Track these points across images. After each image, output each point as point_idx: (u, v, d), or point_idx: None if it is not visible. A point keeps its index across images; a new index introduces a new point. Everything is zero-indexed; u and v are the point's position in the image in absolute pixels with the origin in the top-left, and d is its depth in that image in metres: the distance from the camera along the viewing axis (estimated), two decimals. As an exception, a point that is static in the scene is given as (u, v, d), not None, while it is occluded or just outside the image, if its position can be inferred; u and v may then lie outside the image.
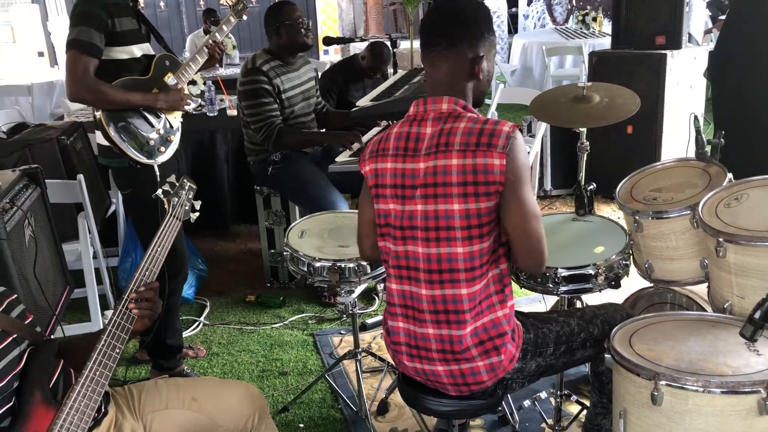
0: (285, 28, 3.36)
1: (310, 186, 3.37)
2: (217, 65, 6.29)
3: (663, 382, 1.54)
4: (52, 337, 2.42)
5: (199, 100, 4.78)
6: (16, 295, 1.65)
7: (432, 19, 1.75)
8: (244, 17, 2.93)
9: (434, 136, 1.68)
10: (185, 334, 3.31)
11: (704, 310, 2.22)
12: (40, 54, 7.45)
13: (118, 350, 1.58)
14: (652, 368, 1.58)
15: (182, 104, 2.63)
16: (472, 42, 1.69)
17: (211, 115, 4.62)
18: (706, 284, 2.10)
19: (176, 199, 1.88)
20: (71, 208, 3.28)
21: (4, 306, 1.58)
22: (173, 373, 2.85)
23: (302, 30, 3.38)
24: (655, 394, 1.54)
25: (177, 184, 1.91)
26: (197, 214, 1.96)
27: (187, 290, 3.59)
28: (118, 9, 2.47)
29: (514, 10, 10.62)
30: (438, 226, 1.66)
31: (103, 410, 1.66)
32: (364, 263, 2.33)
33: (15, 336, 1.53)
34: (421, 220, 1.68)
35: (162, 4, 10.15)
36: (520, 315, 1.84)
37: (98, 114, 2.46)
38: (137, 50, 2.54)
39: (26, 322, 1.61)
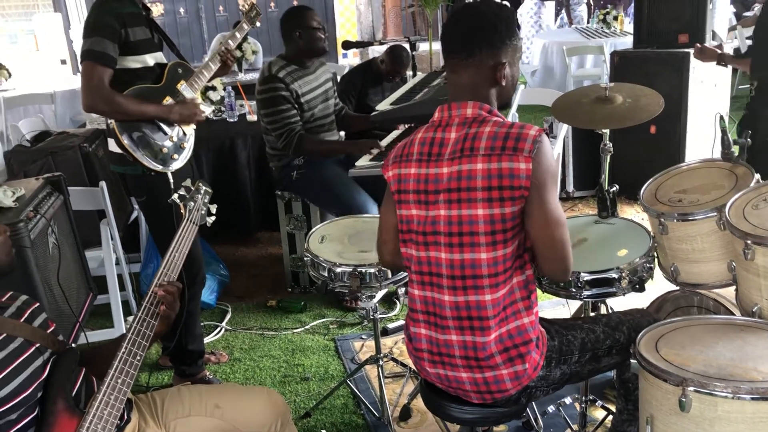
0: (304, 34, 3.36)
1: (339, 188, 3.36)
2: (237, 69, 6.35)
3: (691, 388, 1.51)
4: (75, 344, 2.44)
5: (218, 105, 4.80)
6: (38, 304, 1.66)
7: (451, 27, 1.73)
8: (258, 24, 2.93)
9: (459, 140, 1.66)
10: (207, 339, 3.32)
11: (732, 314, 2.18)
12: (63, 62, 7.53)
13: (139, 357, 1.59)
14: (679, 374, 1.55)
15: (195, 118, 2.63)
16: (492, 50, 1.66)
17: (231, 120, 4.64)
18: (734, 287, 2.06)
19: (192, 204, 1.88)
20: (93, 215, 3.31)
21: (26, 315, 1.59)
22: (196, 379, 2.86)
23: (321, 35, 3.38)
24: (683, 400, 1.51)
25: (192, 188, 1.91)
26: (213, 218, 1.95)
27: (209, 296, 3.60)
28: (131, 18, 2.48)
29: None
30: (462, 231, 1.64)
31: (125, 417, 1.66)
32: (385, 268, 2.32)
33: (38, 345, 1.54)
34: (444, 225, 1.66)
35: (182, 10, 10.23)
36: (544, 322, 1.81)
37: (111, 122, 2.47)
38: (150, 59, 2.55)
39: (49, 331, 1.62)
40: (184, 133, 2.63)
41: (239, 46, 5.75)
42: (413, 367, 1.96)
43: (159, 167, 2.52)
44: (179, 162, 2.59)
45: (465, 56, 1.67)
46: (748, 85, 3.40)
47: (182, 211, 1.85)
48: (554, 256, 1.65)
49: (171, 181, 2.54)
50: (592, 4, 9.46)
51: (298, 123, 3.37)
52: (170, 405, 1.81)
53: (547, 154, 1.61)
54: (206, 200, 1.93)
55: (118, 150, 2.52)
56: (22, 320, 1.57)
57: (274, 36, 9.88)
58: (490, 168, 1.60)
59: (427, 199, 1.69)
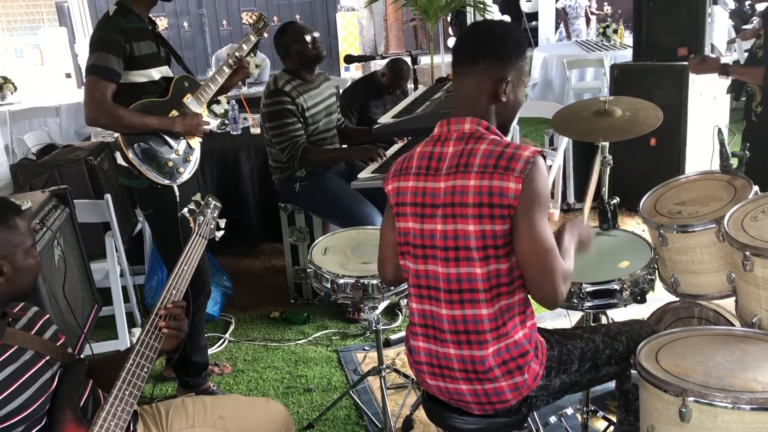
0: (294, 47, 3.40)
1: (343, 199, 3.38)
2: (240, 83, 6.38)
3: (691, 399, 1.53)
4: (81, 356, 2.46)
5: (222, 119, 4.83)
6: (48, 315, 1.69)
7: (463, 36, 1.78)
8: (265, 35, 2.96)
9: (455, 156, 1.68)
10: (211, 351, 3.33)
11: (732, 325, 2.19)
12: (68, 75, 7.58)
13: (146, 369, 1.60)
14: (679, 384, 1.56)
15: (199, 130, 2.64)
16: (496, 62, 1.69)
17: (235, 133, 4.67)
18: (734, 298, 2.07)
19: (202, 218, 1.90)
20: (99, 227, 3.33)
21: (37, 327, 1.62)
22: (199, 390, 2.87)
23: (309, 45, 3.42)
24: (683, 410, 1.53)
25: (202, 202, 1.94)
26: (222, 232, 1.97)
27: (213, 307, 3.62)
28: (137, 33, 2.50)
29: (534, 23, 10.64)
30: (457, 246, 1.66)
31: (131, 428, 1.67)
32: (387, 285, 2.33)
33: (48, 358, 1.56)
34: (440, 239, 1.68)
35: (185, 24, 10.31)
36: (544, 332, 1.83)
37: (117, 136, 2.50)
38: (156, 73, 2.58)
39: (59, 343, 1.64)
40: (190, 147, 2.66)
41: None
42: (415, 378, 1.98)
43: (165, 181, 2.55)
44: (185, 175, 2.61)
45: (470, 64, 1.70)
46: (748, 99, 3.37)
47: (192, 225, 1.88)
48: (542, 283, 1.63)
49: (177, 194, 2.56)
50: (590, 16, 9.51)
51: (303, 136, 3.41)
52: (174, 416, 1.83)
53: (539, 177, 1.60)
54: (215, 215, 1.96)
55: (124, 163, 2.55)
56: (32, 332, 1.59)
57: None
58: (481, 185, 1.62)
59: (424, 213, 1.71)
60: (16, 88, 6.49)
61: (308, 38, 3.42)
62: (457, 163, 1.67)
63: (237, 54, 2.80)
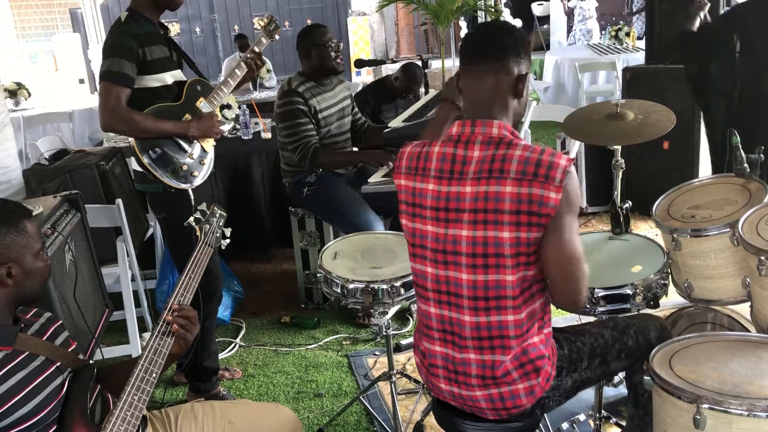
0: (315, 51, 3.41)
1: (346, 206, 3.39)
2: (251, 88, 6.40)
3: (705, 406, 1.51)
4: (91, 360, 2.46)
5: (233, 123, 4.84)
6: (61, 321, 1.69)
7: (478, 34, 1.76)
8: (276, 37, 2.95)
9: (485, 161, 1.63)
10: (222, 355, 3.33)
11: (747, 331, 2.17)
12: (81, 81, 7.66)
13: (155, 375, 1.60)
14: (693, 391, 1.54)
15: (215, 131, 2.65)
16: (518, 58, 1.68)
17: (246, 138, 4.68)
18: (749, 303, 2.05)
19: (207, 227, 1.92)
20: (110, 231, 3.35)
21: (49, 333, 1.62)
22: (210, 395, 2.87)
23: (331, 54, 3.41)
24: (698, 417, 1.51)
25: (208, 212, 1.96)
26: (228, 240, 2.00)
27: (224, 312, 3.62)
28: (149, 38, 2.52)
29: (546, 26, 10.61)
30: (486, 252, 1.62)
31: (140, 433, 1.67)
32: (397, 285, 2.32)
33: (58, 364, 1.56)
34: (467, 246, 1.64)
35: (197, 29, 10.38)
36: (554, 330, 1.80)
37: (132, 141, 2.51)
38: (169, 77, 2.59)
39: (70, 350, 1.64)
40: (204, 150, 2.66)
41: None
42: (425, 383, 1.96)
43: (180, 185, 2.56)
44: (200, 179, 2.62)
45: (495, 58, 1.67)
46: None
47: (198, 233, 1.89)
48: (568, 288, 1.64)
49: (192, 197, 2.57)
50: (593, 14, 9.43)
51: (314, 137, 3.41)
52: (184, 421, 1.83)
53: (575, 186, 1.60)
54: (221, 223, 1.98)
55: (139, 168, 2.56)
56: (44, 338, 1.60)
57: (288, 54, 9.94)
58: (520, 192, 1.58)
59: (447, 217, 1.67)
60: (30, 94, 6.55)
61: (332, 48, 3.41)
62: (489, 168, 1.62)
63: (256, 48, 2.80)
